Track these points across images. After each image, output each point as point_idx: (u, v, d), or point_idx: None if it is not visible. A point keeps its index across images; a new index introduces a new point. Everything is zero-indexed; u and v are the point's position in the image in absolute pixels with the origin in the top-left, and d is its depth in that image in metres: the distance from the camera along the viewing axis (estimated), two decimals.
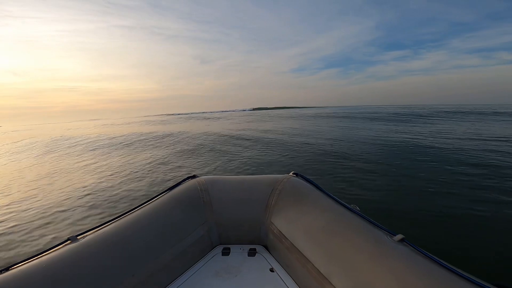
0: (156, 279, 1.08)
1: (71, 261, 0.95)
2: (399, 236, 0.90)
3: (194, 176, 1.58)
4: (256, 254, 1.30)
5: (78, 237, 1.07)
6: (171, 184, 1.54)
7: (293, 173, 1.52)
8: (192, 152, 7.38)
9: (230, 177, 1.59)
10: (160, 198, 1.39)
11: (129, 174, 5.26)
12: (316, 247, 1.03)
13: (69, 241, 1.05)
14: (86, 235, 1.09)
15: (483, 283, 0.68)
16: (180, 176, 4.86)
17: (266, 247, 1.35)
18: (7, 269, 0.91)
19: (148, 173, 5.20)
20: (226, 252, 1.33)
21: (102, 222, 1.19)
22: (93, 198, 3.94)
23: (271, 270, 1.18)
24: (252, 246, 1.35)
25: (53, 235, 2.81)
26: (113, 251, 1.03)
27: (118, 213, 1.35)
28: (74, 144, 11.02)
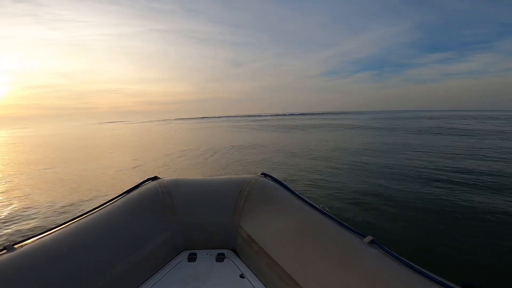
0: None
1: (6, 273, 0.81)
2: (369, 238, 0.90)
3: (155, 178, 1.46)
4: (225, 259, 1.24)
5: (15, 246, 0.93)
6: (128, 186, 1.37)
7: (261, 174, 1.47)
8: None
9: (194, 179, 1.50)
10: (115, 202, 1.26)
11: None
12: (287, 251, 1.00)
13: (5, 251, 0.90)
14: (25, 244, 0.94)
15: (450, 284, 0.69)
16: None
17: (235, 252, 1.29)
18: None
19: None
20: (192, 258, 1.25)
21: (45, 230, 1.04)
22: None
23: (241, 276, 1.13)
24: (221, 251, 1.29)
25: None
26: (58, 262, 0.90)
27: (67, 218, 1.15)
28: None
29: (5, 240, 2.92)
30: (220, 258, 1.24)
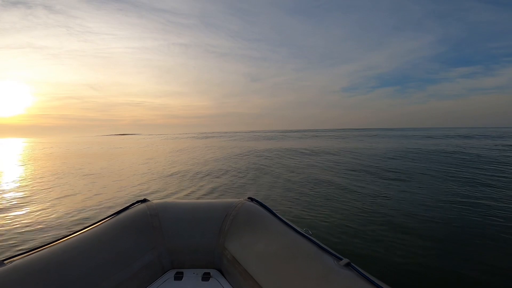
0: None
1: None
2: (345, 261, 0.95)
3: (144, 200, 1.51)
4: (210, 278, 1.28)
5: (5, 261, 0.95)
6: (118, 208, 1.42)
7: (248, 198, 1.53)
8: None
9: (182, 201, 1.55)
10: (105, 223, 1.29)
11: None
12: (268, 273, 1.05)
13: None
14: (14, 260, 0.96)
15: None
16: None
17: (221, 271, 1.33)
18: None
19: None
20: (179, 276, 1.28)
21: (36, 246, 1.07)
22: None
23: None
24: (207, 270, 1.33)
25: None
26: (46, 278, 0.93)
27: (57, 236, 1.20)
28: None
29: None
30: (206, 277, 1.28)
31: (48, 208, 4.28)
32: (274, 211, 1.38)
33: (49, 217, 3.83)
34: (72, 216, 3.80)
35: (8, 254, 1.02)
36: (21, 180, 7.31)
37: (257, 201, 1.50)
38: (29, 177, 7.78)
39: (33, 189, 5.89)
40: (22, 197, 5.16)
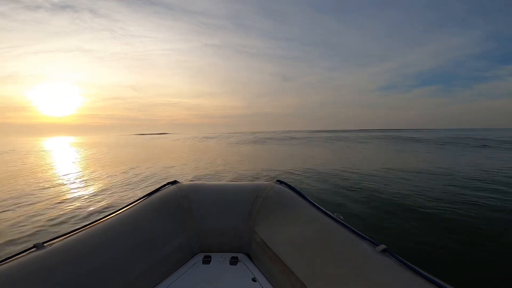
0: None
1: (37, 270, 0.88)
2: (382, 247, 0.89)
3: (174, 182, 1.53)
4: (238, 262, 1.27)
5: (45, 244, 1.00)
6: (150, 189, 1.48)
7: (277, 181, 1.50)
8: None
9: (212, 184, 1.55)
10: (137, 205, 1.34)
11: None
12: (300, 258, 1.01)
13: (34, 248, 0.98)
14: (54, 243, 1.02)
15: None
16: None
17: (249, 256, 1.31)
18: None
19: None
20: (207, 260, 1.28)
21: (73, 229, 1.12)
22: None
23: (253, 279, 1.15)
24: (234, 255, 1.32)
25: None
26: (83, 260, 0.97)
27: (92, 219, 1.28)
28: None
29: None
30: (234, 261, 1.27)
31: None
32: (304, 195, 1.34)
33: None
34: None
35: (48, 237, 1.09)
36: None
37: (286, 184, 1.46)
38: None
39: None
40: None
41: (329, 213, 1.17)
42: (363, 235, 0.99)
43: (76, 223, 3.27)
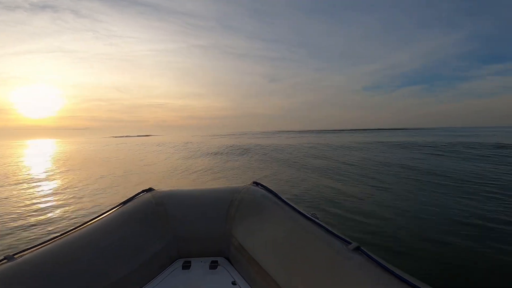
0: None
1: (8, 282, 0.85)
2: (354, 245, 0.91)
3: (149, 189, 1.51)
4: (218, 266, 1.26)
5: (15, 256, 0.96)
6: (123, 198, 1.43)
7: (253, 183, 1.50)
8: None
9: (187, 190, 1.54)
10: (111, 214, 1.30)
11: None
12: (276, 259, 1.03)
13: (5, 260, 0.94)
14: (24, 254, 0.98)
15: None
16: None
17: (228, 259, 1.31)
18: None
19: None
20: (186, 265, 1.27)
21: (44, 240, 1.08)
22: None
23: (233, 283, 1.15)
24: (214, 259, 1.31)
25: None
26: (56, 272, 0.94)
27: (65, 229, 1.23)
28: None
29: None
30: (214, 265, 1.26)
31: None
32: (280, 195, 1.34)
33: None
34: None
35: (17, 249, 1.03)
36: None
37: (262, 186, 1.46)
38: None
39: None
40: None
41: (305, 213, 1.17)
42: (337, 234, 1.00)
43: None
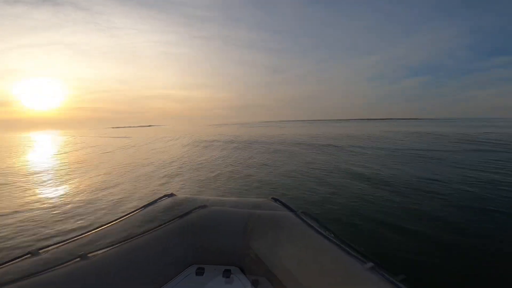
0: None
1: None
2: (370, 264, 0.94)
3: (171, 195, 1.56)
4: (231, 275, 1.29)
5: (40, 251, 1.04)
6: (146, 202, 1.50)
7: (272, 198, 1.56)
8: None
9: (207, 198, 1.58)
10: (133, 216, 1.36)
11: None
12: (292, 274, 1.06)
13: (28, 255, 1.01)
14: (49, 250, 1.06)
15: None
16: None
17: (242, 269, 1.34)
18: None
19: None
20: (200, 272, 1.30)
21: (67, 238, 1.16)
22: None
23: None
24: (227, 267, 1.34)
25: None
26: (77, 268, 1.00)
27: (90, 227, 1.30)
28: None
29: None
30: (227, 274, 1.29)
31: None
32: (296, 212, 1.40)
33: None
34: None
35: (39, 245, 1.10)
36: None
37: (280, 201, 1.53)
38: None
39: None
40: None
41: (321, 230, 1.22)
42: (353, 253, 1.05)
43: None
